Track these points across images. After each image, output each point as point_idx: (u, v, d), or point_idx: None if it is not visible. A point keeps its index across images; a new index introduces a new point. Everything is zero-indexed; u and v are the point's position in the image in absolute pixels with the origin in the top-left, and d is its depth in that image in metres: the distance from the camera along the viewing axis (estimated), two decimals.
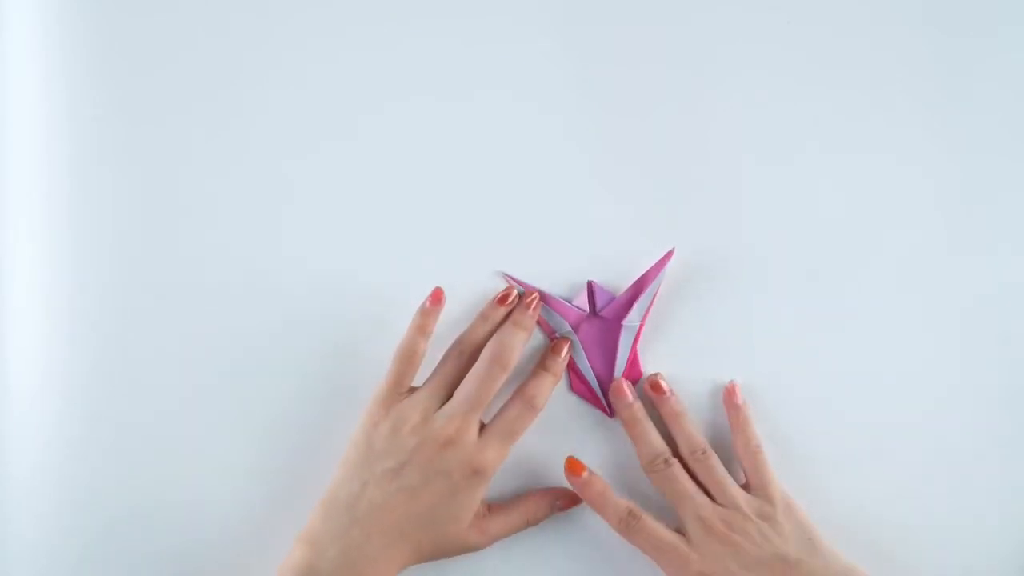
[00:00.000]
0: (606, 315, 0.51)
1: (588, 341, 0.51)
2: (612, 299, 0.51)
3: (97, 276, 0.52)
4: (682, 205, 0.52)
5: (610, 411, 0.51)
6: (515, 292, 0.50)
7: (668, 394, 0.50)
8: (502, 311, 0.50)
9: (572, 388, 0.52)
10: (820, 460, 0.50)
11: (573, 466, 0.49)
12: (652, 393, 0.50)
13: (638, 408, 0.50)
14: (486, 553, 0.49)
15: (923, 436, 0.52)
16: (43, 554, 0.51)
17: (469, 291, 0.51)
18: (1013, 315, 0.52)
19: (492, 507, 0.50)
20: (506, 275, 0.51)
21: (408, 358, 0.49)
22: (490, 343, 0.49)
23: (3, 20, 0.52)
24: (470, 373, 0.48)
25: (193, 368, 0.51)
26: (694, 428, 0.50)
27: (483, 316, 0.50)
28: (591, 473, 0.49)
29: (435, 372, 0.49)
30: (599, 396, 0.51)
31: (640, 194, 0.52)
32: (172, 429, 0.51)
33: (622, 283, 0.51)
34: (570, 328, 0.51)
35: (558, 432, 0.51)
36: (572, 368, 0.51)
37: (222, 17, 0.52)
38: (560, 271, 0.52)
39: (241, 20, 0.52)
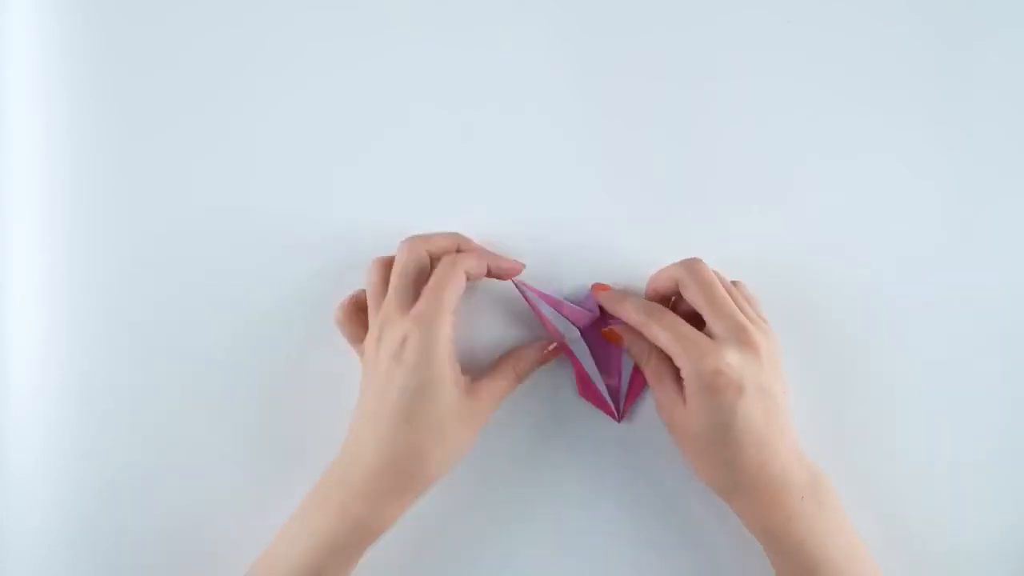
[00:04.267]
0: (615, 320, 0.50)
1: (596, 345, 0.51)
2: None
3: (97, 276, 0.52)
4: (687, 210, 0.52)
5: (618, 415, 0.51)
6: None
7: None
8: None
9: (580, 393, 0.51)
10: (820, 459, 0.50)
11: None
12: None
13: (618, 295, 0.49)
14: (487, 552, 0.49)
15: (922, 436, 0.52)
16: (43, 554, 0.51)
17: (483, 293, 0.52)
18: (1014, 316, 0.52)
19: (475, 375, 0.48)
20: (518, 283, 0.50)
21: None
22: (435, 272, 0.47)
23: (3, 20, 0.52)
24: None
25: (193, 366, 0.52)
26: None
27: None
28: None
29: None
30: (607, 400, 0.51)
31: (646, 199, 0.52)
32: (172, 428, 0.51)
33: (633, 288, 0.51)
34: (579, 335, 0.51)
35: (566, 436, 0.51)
36: (579, 373, 0.51)
37: (222, 19, 0.52)
38: (572, 275, 0.52)
39: (241, 22, 0.52)
